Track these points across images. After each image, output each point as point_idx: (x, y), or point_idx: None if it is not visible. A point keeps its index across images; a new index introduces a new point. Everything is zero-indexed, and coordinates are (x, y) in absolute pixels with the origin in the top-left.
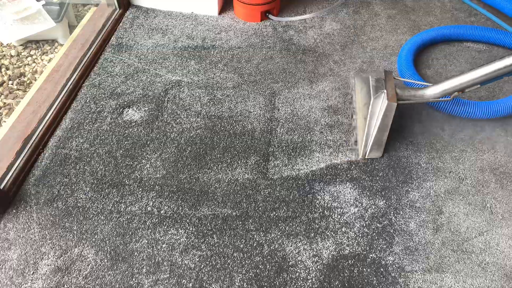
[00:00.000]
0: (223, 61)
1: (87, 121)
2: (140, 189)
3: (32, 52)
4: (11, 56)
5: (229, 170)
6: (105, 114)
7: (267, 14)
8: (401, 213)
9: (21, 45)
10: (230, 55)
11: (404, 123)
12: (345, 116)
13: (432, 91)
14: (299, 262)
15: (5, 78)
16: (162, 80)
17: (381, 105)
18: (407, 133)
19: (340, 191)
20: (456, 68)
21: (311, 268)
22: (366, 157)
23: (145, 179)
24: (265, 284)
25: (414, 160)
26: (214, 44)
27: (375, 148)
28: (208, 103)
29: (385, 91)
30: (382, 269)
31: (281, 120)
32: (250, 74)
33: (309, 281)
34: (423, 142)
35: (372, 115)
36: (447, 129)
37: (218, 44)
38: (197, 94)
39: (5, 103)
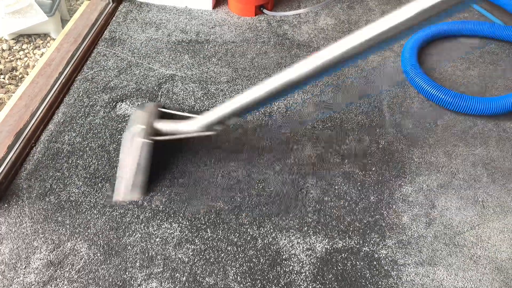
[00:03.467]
0: (217, 55)
1: (79, 115)
2: None
3: (24, 46)
4: (3, 50)
5: (222, 164)
6: (98, 108)
7: (261, 9)
8: (394, 207)
9: (13, 39)
10: (224, 49)
11: (396, 118)
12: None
13: (191, 125)
14: (293, 256)
15: None
16: (156, 74)
17: (134, 142)
18: (400, 128)
19: (332, 185)
20: (449, 63)
21: (304, 261)
22: (121, 201)
23: None
24: (259, 277)
25: (407, 154)
26: (208, 39)
27: (131, 190)
28: (202, 98)
29: (137, 126)
30: (375, 262)
31: (274, 114)
32: (244, 69)
33: (303, 274)
34: (416, 136)
35: (124, 153)
36: (440, 124)
37: (212, 38)
38: (191, 88)
39: None
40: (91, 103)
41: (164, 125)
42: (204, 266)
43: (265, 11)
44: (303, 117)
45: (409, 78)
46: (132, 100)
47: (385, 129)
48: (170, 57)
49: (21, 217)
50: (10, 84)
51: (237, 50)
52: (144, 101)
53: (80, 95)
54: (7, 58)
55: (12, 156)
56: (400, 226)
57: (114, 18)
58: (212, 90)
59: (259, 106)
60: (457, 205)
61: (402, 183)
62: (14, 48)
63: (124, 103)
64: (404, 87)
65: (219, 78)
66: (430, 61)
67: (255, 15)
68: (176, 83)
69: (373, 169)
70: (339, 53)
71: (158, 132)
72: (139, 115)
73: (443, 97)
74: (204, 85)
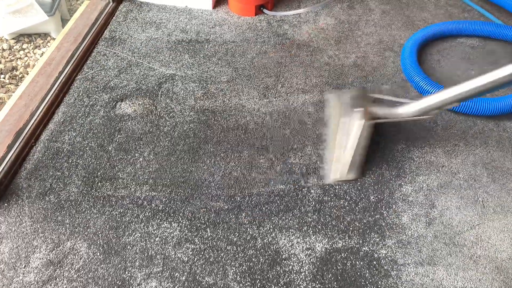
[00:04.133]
0: (217, 55)
1: (79, 114)
2: (133, 183)
3: (25, 46)
4: (3, 49)
5: (222, 164)
6: (98, 107)
7: (261, 9)
8: (394, 206)
9: (13, 38)
10: (224, 49)
11: None
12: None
13: (408, 109)
14: (292, 255)
15: None
16: (156, 73)
17: (353, 124)
18: (400, 127)
19: (332, 185)
20: (449, 63)
21: (304, 261)
22: (338, 180)
23: (139, 172)
24: (258, 277)
25: (407, 154)
26: (208, 38)
27: (348, 170)
28: (202, 97)
29: (357, 109)
30: (374, 262)
31: (275, 114)
32: (244, 68)
33: (302, 274)
34: (416, 136)
35: (342, 134)
36: (440, 123)
37: (212, 38)
38: (191, 88)
39: None
40: (91, 102)
41: (380, 110)
42: (203, 265)
43: (265, 11)
44: (303, 117)
45: (409, 78)
46: (132, 100)
47: (385, 128)
48: (170, 56)
49: (21, 217)
50: (10, 83)
51: (237, 50)
52: (144, 99)
53: (80, 94)
54: (7, 57)
55: (12, 155)
56: (400, 226)
57: (114, 17)
58: (212, 90)
59: (479, 95)
60: (457, 205)
61: (402, 183)
62: (15, 47)
63: (124, 102)
64: (404, 87)
65: (219, 77)
66: (430, 61)
67: (255, 15)
68: (176, 82)
69: (373, 168)
70: None
71: (374, 116)
72: (356, 99)
73: None
74: (204, 84)
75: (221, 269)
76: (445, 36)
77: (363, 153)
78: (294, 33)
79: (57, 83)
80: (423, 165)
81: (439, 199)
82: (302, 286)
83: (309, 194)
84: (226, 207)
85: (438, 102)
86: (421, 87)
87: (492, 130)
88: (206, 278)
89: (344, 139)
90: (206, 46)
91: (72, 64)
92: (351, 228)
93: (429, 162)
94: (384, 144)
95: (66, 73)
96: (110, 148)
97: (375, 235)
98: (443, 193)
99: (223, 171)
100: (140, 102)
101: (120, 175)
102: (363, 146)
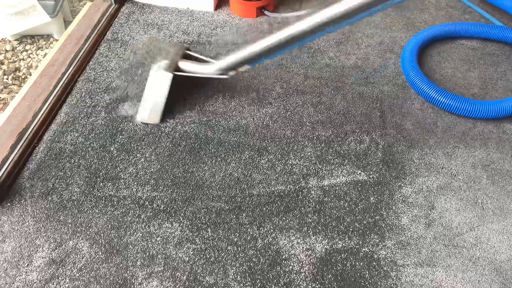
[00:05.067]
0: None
1: (82, 115)
2: (135, 183)
3: (28, 47)
4: (6, 51)
5: (223, 165)
6: (99, 108)
7: (263, 10)
8: (394, 208)
9: (16, 39)
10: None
11: (397, 119)
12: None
13: (211, 68)
14: (293, 256)
15: (0, 73)
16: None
17: (160, 74)
18: (400, 129)
19: (332, 186)
20: (450, 65)
21: (304, 261)
22: (142, 122)
23: (140, 173)
24: (259, 277)
25: (407, 155)
26: (210, 40)
27: (151, 115)
28: (203, 98)
29: (163, 61)
30: (374, 263)
31: (274, 115)
32: (245, 70)
33: (302, 274)
34: (416, 137)
35: (151, 83)
36: (440, 125)
37: (214, 40)
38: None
39: (0, 97)
40: (93, 103)
41: (185, 65)
42: (204, 265)
43: (266, 12)
44: (302, 117)
45: (409, 79)
46: (133, 101)
47: (385, 130)
48: None
49: (23, 216)
50: (13, 84)
51: None
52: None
53: (83, 95)
54: (10, 58)
55: (15, 156)
56: (400, 227)
57: (116, 19)
58: (213, 91)
59: (269, 55)
60: (456, 207)
61: (402, 184)
62: (18, 48)
63: (126, 103)
64: (405, 88)
65: (219, 78)
66: (431, 63)
67: (257, 17)
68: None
69: (373, 170)
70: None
71: (179, 69)
72: (167, 51)
73: (442, 99)
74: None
75: (221, 269)
76: (445, 38)
77: (165, 100)
78: None
79: (60, 84)
80: (422, 166)
81: (439, 201)
82: (302, 286)
83: (309, 195)
84: (227, 207)
85: (230, 63)
86: (420, 88)
87: (492, 132)
88: (206, 278)
89: (152, 86)
90: (207, 47)
91: (74, 66)
92: (351, 229)
93: (429, 164)
94: (384, 145)
95: (68, 74)
96: (112, 149)
97: (375, 236)
98: (442, 195)
99: (224, 172)
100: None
101: (122, 175)
102: (165, 95)
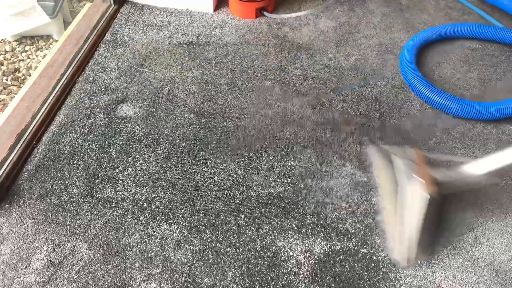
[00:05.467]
0: (217, 57)
1: (81, 116)
2: (134, 184)
3: (27, 48)
4: (6, 51)
5: (222, 166)
6: (98, 109)
7: (262, 11)
8: None
9: (15, 40)
10: (225, 51)
11: (396, 120)
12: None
13: (478, 170)
14: (291, 257)
15: (0, 73)
16: (156, 76)
17: (416, 195)
18: (399, 130)
19: (332, 187)
20: (449, 65)
21: (302, 263)
22: (412, 263)
23: (139, 174)
24: (257, 278)
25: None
26: (209, 41)
27: (419, 249)
28: (202, 100)
29: (418, 177)
30: (373, 264)
31: (274, 117)
32: (244, 71)
33: (301, 275)
34: (415, 138)
35: (404, 207)
36: (439, 126)
37: (213, 40)
38: (191, 90)
39: None
40: (92, 104)
41: (442, 174)
42: (203, 267)
43: (265, 13)
44: (303, 118)
45: (407, 81)
46: (132, 102)
47: (385, 131)
48: (171, 59)
49: (22, 218)
50: (13, 85)
51: (237, 52)
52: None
53: (82, 96)
54: (10, 59)
55: (13, 157)
56: None
57: (115, 20)
58: (212, 92)
59: None
60: (455, 207)
61: None
62: (17, 49)
63: (124, 104)
64: (404, 89)
65: (219, 80)
66: (430, 64)
67: (256, 18)
68: (176, 85)
69: (373, 171)
70: None
71: (437, 183)
72: (409, 163)
73: (440, 101)
74: (204, 86)
75: (220, 270)
76: (444, 39)
77: (430, 228)
78: (295, 35)
79: (59, 85)
80: None
81: None
82: None
83: (308, 196)
84: (226, 209)
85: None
86: (419, 90)
87: (491, 133)
88: (205, 280)
89: (405, 212)
90: (207, 48)
91: (73, 66)
92: (350, 230)
93: None
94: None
95: (67, 75)
96: (110, 150)
97: (375, 237)
98: None
99: (222, 173)
100: (140, 104)
101: (120, 176)
102: (430, 222)
